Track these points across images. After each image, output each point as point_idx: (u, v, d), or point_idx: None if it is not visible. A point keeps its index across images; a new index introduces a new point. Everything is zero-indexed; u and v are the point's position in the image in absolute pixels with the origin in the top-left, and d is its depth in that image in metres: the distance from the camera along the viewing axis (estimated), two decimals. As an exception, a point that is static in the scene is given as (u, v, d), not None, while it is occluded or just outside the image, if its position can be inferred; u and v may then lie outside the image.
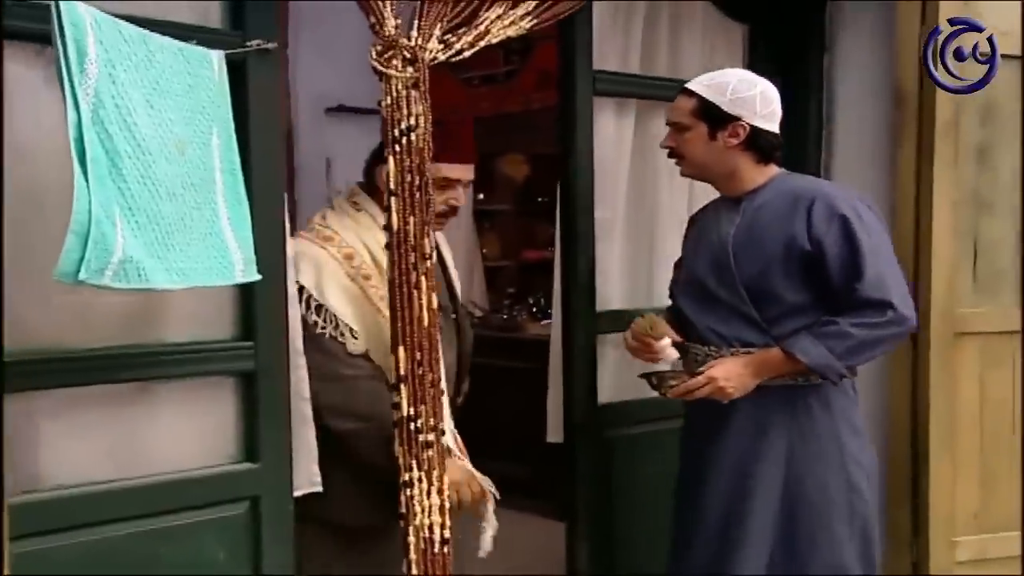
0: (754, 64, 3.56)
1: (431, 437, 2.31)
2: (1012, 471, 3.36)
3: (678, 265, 2.79)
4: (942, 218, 3.20)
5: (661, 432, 3.02)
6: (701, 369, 2.45)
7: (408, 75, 2.32)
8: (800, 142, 3.58)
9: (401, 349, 2.31)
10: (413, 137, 2.33)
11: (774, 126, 2.49)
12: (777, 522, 2.45)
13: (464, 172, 2.56)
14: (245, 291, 2.27)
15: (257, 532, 2.26)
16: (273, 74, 2.32)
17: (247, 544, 2.25)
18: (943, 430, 3.24)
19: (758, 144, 2.47)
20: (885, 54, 3.39)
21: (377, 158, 2.46)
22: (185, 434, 2.25)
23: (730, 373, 2.40)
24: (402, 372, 2.31)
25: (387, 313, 2.33)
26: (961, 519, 3.31)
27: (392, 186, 2.32)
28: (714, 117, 2.44)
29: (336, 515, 2.47)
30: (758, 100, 2.45)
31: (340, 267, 2.43)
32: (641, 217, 3.34)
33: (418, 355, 2.31)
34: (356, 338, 2.41)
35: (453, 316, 2.67)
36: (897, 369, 3.27)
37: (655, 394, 3.16)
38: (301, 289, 2.38)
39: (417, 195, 2.33)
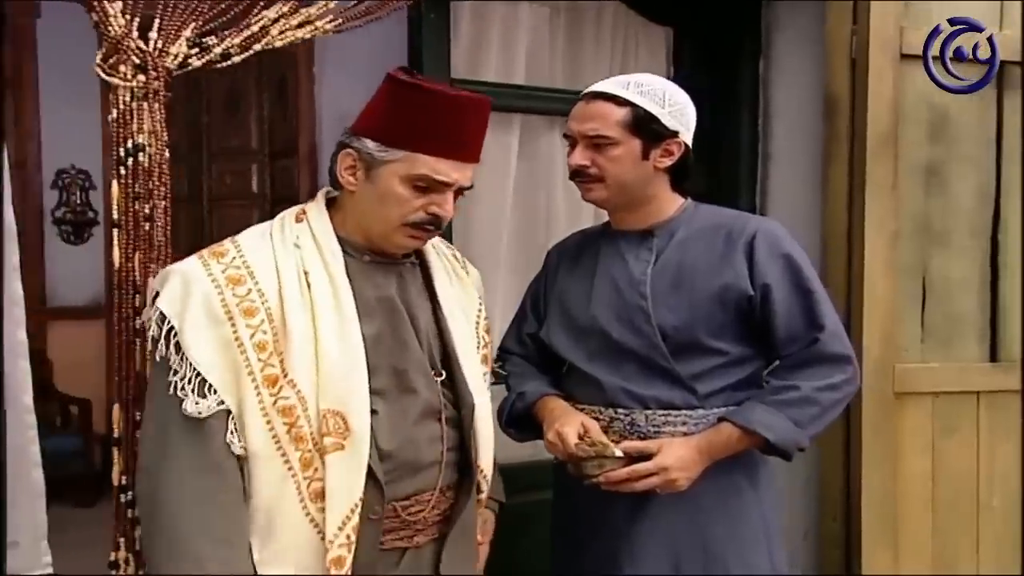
0: (680, 71, 3.11)
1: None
2: (979, 555, 2.78)
3: (524, 315, 2.31)
4: (877, 252, 2.65)
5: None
6: (634, 449, 1.96)
7: (138, 84, 1.97)
8: (731, 161, 3.08)
9: (117, 407, 1.99)
10: (142, 158, 1.99)
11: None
12: None
13: (459, 173, 1.73)
14: (-52, 339, 1.95)
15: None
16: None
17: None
18: (881, 511, 2.68)
19: (684, 166, 2.05)
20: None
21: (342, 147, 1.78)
22: None
23: (685, 461, 1.94)
24: (116, 434, 1.99)
25: (260, 370, 1.63)
26: (908, 617, 2.73)
27: (116, 216, 1.99)
28: (651, 132, 1.99)
29: None
30: (690, 112, 2.05)
31: (216, 293, 1.65)
32: (532, 248, 2.89)
33: (137, 414, 1.95)
34: (205, 396, 1.61)
35: (439, 379, 1.83)
36: (828, 438, 2.72)
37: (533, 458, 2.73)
38: (163, 319, 1.65)
39: (146, 226, 1.99)
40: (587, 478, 1.95)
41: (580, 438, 1.96)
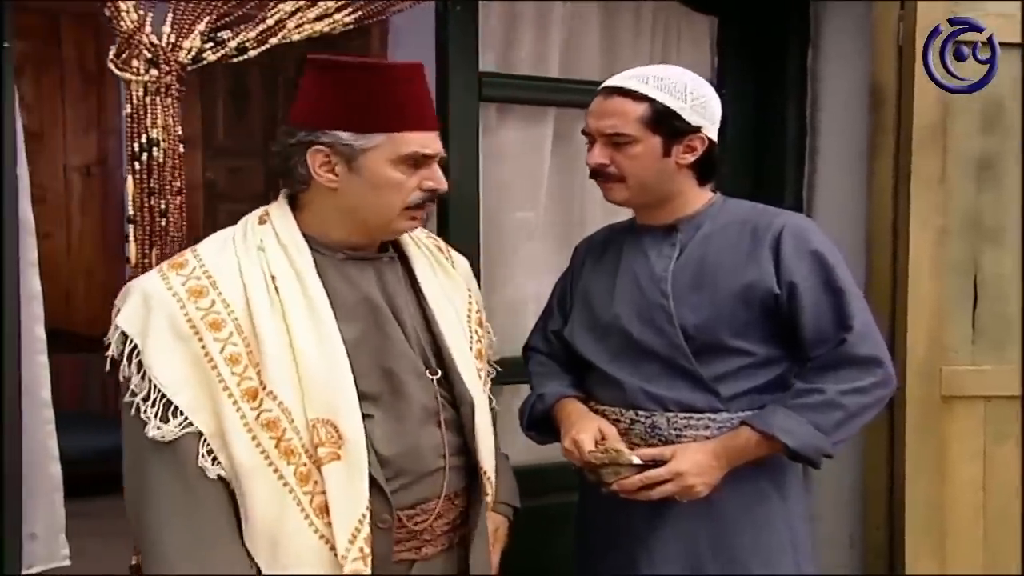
0: (724, 63, 3.02)
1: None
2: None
3: (550, 312, 2.26)
4: (922, 248, 2.52)
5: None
6: (648, 456, 1.89)
7: (150, 79, 1.99)
8: (777, 156, 2.97)
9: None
10: (156, 153, 2.00)
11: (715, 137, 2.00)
12: None
13: (435, 143, 1.68)
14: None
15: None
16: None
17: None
18: (926, 518, 2.56)
19: (709, 161, 1.97)
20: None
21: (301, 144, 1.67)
22: None
23: (701, 466, 1.86)
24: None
25: (237, 385, 1.55)
26: (956, 632, 2.61)
27: (131, 211, 2.00)
28: (672, 128, 1.91)
29: None
30: (714, 105, 1.96)
31: (179, 309, 1.56)
32: (566, 244, 2.83)
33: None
34: (167, 421, 1.53)
35: (434, 377, 1.74)
36: (873, 443, 2.61)
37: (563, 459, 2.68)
38: (124, 338, 1.58)
39: (162, 222, 2.00)
40: (605, 485, 1.88)
41: (596, 444, 1.90)
